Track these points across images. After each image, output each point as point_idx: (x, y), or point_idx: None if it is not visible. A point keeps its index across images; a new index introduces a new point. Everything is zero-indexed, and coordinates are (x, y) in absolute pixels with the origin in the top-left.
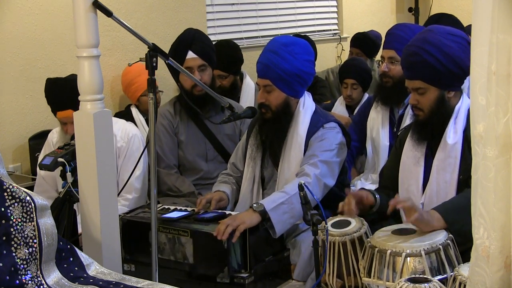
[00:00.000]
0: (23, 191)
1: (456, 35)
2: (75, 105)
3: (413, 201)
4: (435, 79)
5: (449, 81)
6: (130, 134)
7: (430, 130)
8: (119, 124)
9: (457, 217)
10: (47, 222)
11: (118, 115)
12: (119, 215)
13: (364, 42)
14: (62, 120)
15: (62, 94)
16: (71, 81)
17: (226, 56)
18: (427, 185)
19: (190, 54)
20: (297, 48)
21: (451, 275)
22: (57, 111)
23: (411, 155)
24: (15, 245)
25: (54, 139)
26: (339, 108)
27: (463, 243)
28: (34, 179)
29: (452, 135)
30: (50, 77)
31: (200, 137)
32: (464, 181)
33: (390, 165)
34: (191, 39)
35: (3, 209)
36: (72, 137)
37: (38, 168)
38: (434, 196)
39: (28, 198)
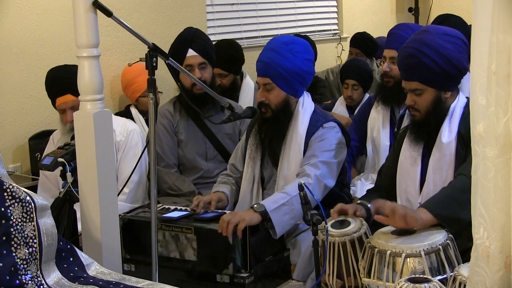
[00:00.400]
0: (23, 191)
1: (452, 35)
2: (74, 90)
3: (388, 205)
4: (432, 80)
5: (446, 81)
6: (129, 129)
7: (426, 130)
8: (119, 120)
9: (442, 206)
10: (47, 222)
11: (117, 115)
12: (119, 215)
13: (364, 42)
14: (61, 107)
15: (60, 79)
16: (70, 67)
17: (227, 55)
18: (424, 185)
19: (191, 52)
20: (297, 47)
21: (451, 275)
22: (56, 98)
23: (408, 155)
24: (15, 245)
25: (56, 139)
26: (340, 109)
27: (458, 233)
28: (34, 179)
29: (447, 134)
30: None
31: (200, 136)
32: None
33: (388, 165)
34: (191, 37)
35: (3, 209)
36: (72, 137)
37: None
38: (431, 196)
39: (28, 198)
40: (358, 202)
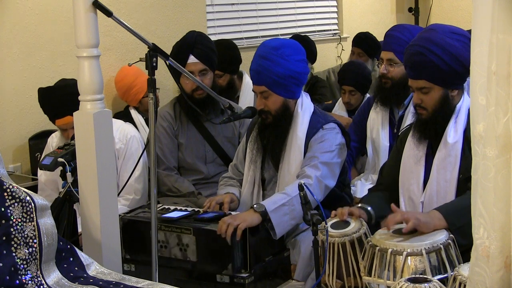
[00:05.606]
0: (23, 191)
1: (459, 33)
2: (72, 110)
3: (402, 213)
4: (440, 79)
5: (453, 80)
6: (129, 135)
7: (432, 129)
8: (117, 125)
9: (458, 217)
10: (47, 222)
11: (117, 115)
12: (119, 215)
13: (366, 42)
14: (62, 127)
15: (57, 102)
16: (63, 87)
17: (222, 55)
18: (427, 184)
19: (192, 59)
20: (287, 50)
21: (451, 275)
22: (55, 119)
23: (412, 154)
24: (15, 245)
25: (54, 143)
26: (339, 112)
27: (465, 244)
28: (34, 179)
29: (453, 134)
30: (48, 79)
31: (200, 139)
32: (464, 180)
33: (390, 164)
34: (193, 43)
35: (3, 209)
36: (72, 137)
37: (38, 169)
38: (434, 195)
39: (28, 198)
40: (359, 205)
